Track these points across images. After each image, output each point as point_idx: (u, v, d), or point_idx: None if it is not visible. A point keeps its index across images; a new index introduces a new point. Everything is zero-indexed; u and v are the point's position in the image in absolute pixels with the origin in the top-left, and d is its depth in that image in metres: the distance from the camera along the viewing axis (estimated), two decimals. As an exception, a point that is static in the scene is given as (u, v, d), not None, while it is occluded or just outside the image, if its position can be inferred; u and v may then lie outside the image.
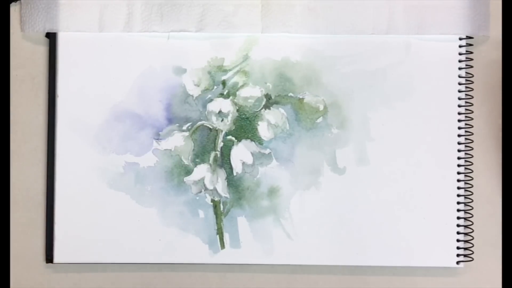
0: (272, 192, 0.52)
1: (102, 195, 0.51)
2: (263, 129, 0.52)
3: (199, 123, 0.52)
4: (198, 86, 0.52)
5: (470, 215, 0.52)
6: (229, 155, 0.52)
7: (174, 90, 0.52)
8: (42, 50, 0.53)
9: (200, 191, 0.52)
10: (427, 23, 0.51)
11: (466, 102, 0.52)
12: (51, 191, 0.52)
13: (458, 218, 0.52)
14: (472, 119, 0.52)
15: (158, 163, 0.52)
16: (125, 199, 0.51)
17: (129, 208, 0.51)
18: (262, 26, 0.51)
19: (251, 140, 0.52)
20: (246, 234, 0.52)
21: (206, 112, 0.52)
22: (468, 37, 0.52)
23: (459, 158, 0.52)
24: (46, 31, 0.52)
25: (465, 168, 0.52)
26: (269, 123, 0.52)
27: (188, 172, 0.52)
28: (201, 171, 0.52)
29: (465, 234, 0.52)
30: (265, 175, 0.52)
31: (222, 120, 0.52)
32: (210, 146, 0.52)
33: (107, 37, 0.52)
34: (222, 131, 0.52)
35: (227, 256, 0.52)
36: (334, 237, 0.52)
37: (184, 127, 0.52)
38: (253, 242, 0.52)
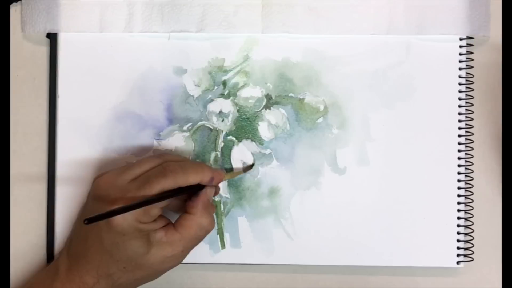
0: (273, 192, 0.52)
1: (102, 195, 0.51)
2: (263, 129, 0.52)
3: (200, 123, 0.52)
4: (199, 86, 0.52)
5: (470, 215, 0.52)
6: (229, 155, 0.52)
7: (174, 90, 0.52)
8: (42, 51, 0.53)
9: (201, 191, 0.52)
10: (427, 24, 0.51)
11: (466, 102, 0.52)
12: (51, 191, 0.52)
13: (458, 218, 0.52)
14: (472, 119, 0.52)
15: (159, 163, 0.52)
16: (125, 199, 0.51)
17: (130, 208, 0.51)
18: (262, 26, 0.51)
19: (252, 140, 0.52)
20: (247, 234, 0.52)
21: (206, 113, 0.52)
22: (469, 37, 0.52)
23: (459, 158, 0.52)
24: (46, 32, 0.52)
25: (465, 168, 0.52)
26: (269, 123, 0.52)
27: (189, 172, 0.52)
28: (202, 171, 0.52)
29: (465, 234, 0.52)
30: (266, 175, 0.52)
31: (222, 121, 0.52)
32: (210, 147, 0.52)
33: (108, 38, 0.52)
34: (222, 131, 0.52)
35: (227, 256, 0.52)
36: (334, 237, 0.52)
37: (185, 128, 0.52)
38: (254, 242, 0.52)
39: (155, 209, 0.44)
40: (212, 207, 0.48)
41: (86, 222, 0.39)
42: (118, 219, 0.43)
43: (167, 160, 0.46)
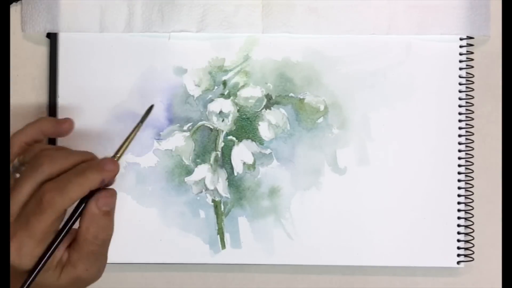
0: (273, 192, 0.52)
1: (103, 195, 0.51)
2: (263, 129, 0.52)
3: (200, 123, 0.52)
4: (199, 86, 0.52)
5: (471, 215, 0.52)
6: (229, 155, 0.52)
7: (174, 90, 0.52)
8: (43, 51, 0.52)
9: (201, 191, 0.52)
10: (427, 23, 0.51)
11: (466, 102, 0.52)
12: (51, 191, 0.51)
13: (459, 218, 0.52)
14: (472, 119, 0.52)
15: (159, 163, 0.52)
16: (126, 199, 0.51)
17: (130, 208, 0.51)
18: (262, 26, 0.51)
19: (252, 140, 0.52)
20: (247, 234, 0.52)
21: (206, 112, 0.52)
22: (469, 37, 0.52)
23: (459, 158, 0.52)
24: (47, 32, 0.51)
25: (466, 168, 0.52)
26: (269, 123, 0.52)
27: (189, 172, 0.52)
28: (202, 171, 0.52)
29: (466, 234, 0.52)
30: (266, 175, 0.52)
31: (222, 120, 0.52)
32: (210, 146, 0.52)
33: (108, 38, 0.52)
34: (222, 131, 0.52)
35: (227, 256, 0.52)
36: (334, 237, 0.52)
37: (185, 127, 0.52)
38: (254, 242, 0.52)
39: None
40: (96, 246, 0.42)
41: None
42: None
43: (41, 168, 0.40)
